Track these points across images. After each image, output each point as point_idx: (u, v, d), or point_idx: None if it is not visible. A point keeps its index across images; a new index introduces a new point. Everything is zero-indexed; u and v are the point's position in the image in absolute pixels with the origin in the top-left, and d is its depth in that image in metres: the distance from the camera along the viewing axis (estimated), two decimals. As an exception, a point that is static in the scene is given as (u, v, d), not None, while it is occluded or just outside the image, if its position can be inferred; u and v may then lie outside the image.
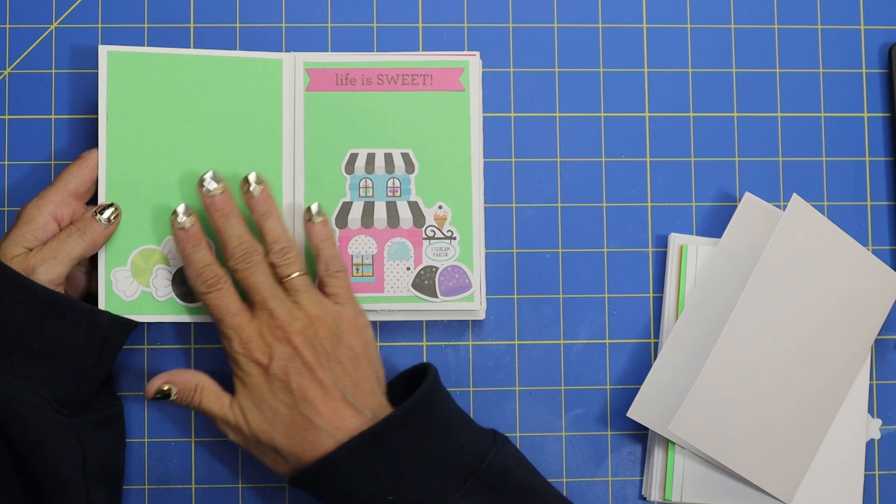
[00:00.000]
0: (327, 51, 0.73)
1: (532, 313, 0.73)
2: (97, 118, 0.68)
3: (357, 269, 0.70)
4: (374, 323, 0.72)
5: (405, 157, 0.71)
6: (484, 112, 0.73)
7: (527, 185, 0.73)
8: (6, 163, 0.72)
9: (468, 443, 0.63)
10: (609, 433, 0.73)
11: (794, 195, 0.69)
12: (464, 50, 0.74)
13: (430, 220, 0.70)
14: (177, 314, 0.69)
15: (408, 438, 0.62)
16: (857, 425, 0.72)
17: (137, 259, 0.68)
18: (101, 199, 0.68)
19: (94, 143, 0.69)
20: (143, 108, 0.69)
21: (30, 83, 0.73)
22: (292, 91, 0.70)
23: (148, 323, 0.71)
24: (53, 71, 0.73)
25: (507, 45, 0.74)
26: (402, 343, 0.72)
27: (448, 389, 0.67)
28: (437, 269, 0.70)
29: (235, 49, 0.73)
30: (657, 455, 0.71)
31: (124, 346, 0.68)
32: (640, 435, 0.73)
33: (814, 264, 0.69)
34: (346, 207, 0.70)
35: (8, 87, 0.72)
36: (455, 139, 0.70)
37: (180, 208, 0.66)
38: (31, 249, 0.64)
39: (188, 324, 0.71)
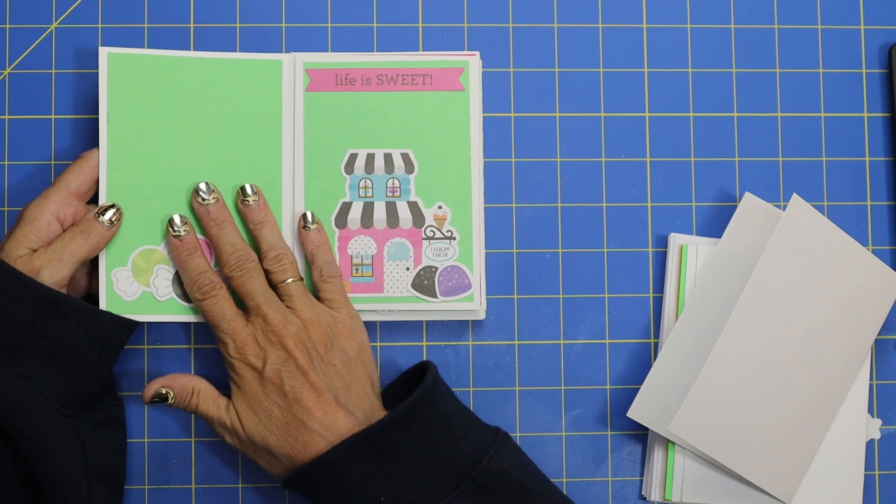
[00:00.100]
0: (327, 51, 0.73)
1: (532, 313, 0.73)
2: (97, 118, 0.68)
3: (357, 270, 0.70)
4: (373, 323, 0.72)
5: (405, 157, 0.71)
6: (484, 112, 0.73)
7: (527, 185, 0.73)
8: (6, 163, 0.72)
9: (465, 444, 0.64)
10: (609, 433, 0.73)
11: (794, 195, 0.69)
12: (464, 50, 0.74)
13: (429, 220, 0.70)
14: (177, 314, 0.69)
15: (401, 441, 0.62)
16: (857, 425, 0.72)
17: (138, 259, 0.68)
18: (102, 200, 0.68)
19: (94, 144, 0.69)
20: (143, 110, 0.69)
21: (30, 83, 0.73)
22: (292, 91, 0.70)
23: (148, 323, 0.71)
24: (53, 71, 0.73)
25: (507, 45, 0.74)
26: (402, 343, 0.73)
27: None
28: (436, 269, 0.70)
29: (235, 49, 0.73)
30: (657, 455, 0.71)
31: (125, 347, 0.68)
32: (640, 435, 0.73)
33: (814, 264, 0.69)
34: (346, 208, 0.70)
35: (8, 87, 0.73)
36: (455, 139, 0.70)
37: (175, 217, 0.67)
38: (34, 250, 0.64)
39: (188, 324, 0.72)
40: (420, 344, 0.73)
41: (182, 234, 0.67)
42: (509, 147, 0.74)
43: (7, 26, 0.73)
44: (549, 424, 0.73)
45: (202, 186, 0.67)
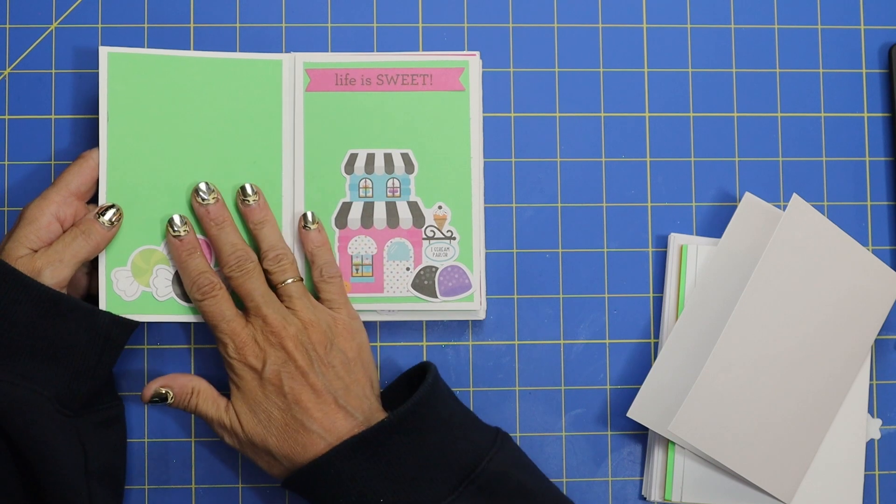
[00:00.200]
0: (327, 51, 0.73)
1: (532, 313, 0.73)
2: (97, 118, 0.68)
3: (357, 270, 0.70)
4: (373, 323, 0.72)
5: (405, 157, 0.71)
6: (484, 112, 0.73)
7: (527, 185, 0.73)
8: (6, 163, 0.72)
9: (465, 445, 0.64)
10: (609, 433, 0.73)
11: (794, 195, 0.69)
12: (464, 50, 0.74)
13: (429, 220, 0.70)
14: (177, 314, 0.69)
15: (400, 443, 0.62)
16: (857, 425, 0.72)
17: (138, 259, 0.68)
18: (102, 200, 0.68)
19: (94, 144, 0.69)
20: (143, 110, 0.69)
21: (30, 83, 0.73)
22: (292, 91, 0.70)
23: (148, 323, 0.71)
24: (53, 71, 0.73)
25: (507, 45, 0.74)
26: (402, 343, 0.73)
27: (448, 389, 0.68)
28: (436, 269, 0.70)
29: (235, 49, 0.73)
30: (657, 455, 0.71)
31: (125, 347, 0.68)
32: (640, 435, 0.73)
33: (814, 264, 0.69)
34: (346, 208, 0.70)
35: (8, 87, 0.73)
36: (455, 139, 0.70)
37: (175, 217, 0.67)
38: (35, 251, 0.64)
39: (188, 324, 0.72)
40: (420, 344, 0.73)
41: (182, 234, 0.67)
42: (509, 147, 0.74)
43: (7, 26, 0.73)
44: (549, 424, 0.73)
45: (202, 186, 0.67)
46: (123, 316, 0.67)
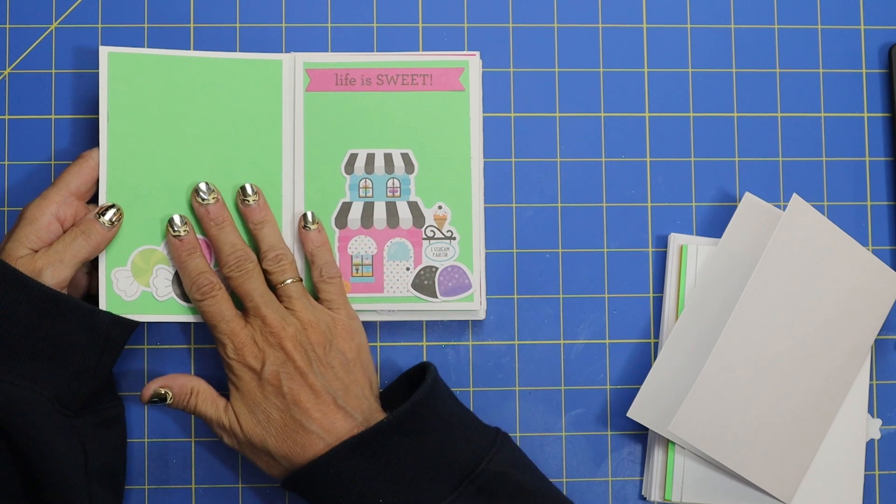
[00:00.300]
0: (327, 51, 0.73)
1: (532, 313, 0.73)
2: (97, 118, 0.68)
3: (357, 270, 0.70)
4: (373, 323, 0.72)
5: (405, 157, 0.71)
6: (484, 112, 0.73)
7: (527, 185, 0.73)
8: (6, 163, 0.72)
9: (465, 446, 0.64)
10: (609, 433, 0.73)
11: (794, 195, 0.69)
12: (464, 50, 0.74)
13: (429, 220, 0.70)
14: (177, 314, 0.69)
15: (399, 443, 0.62)
16: (857, 425, 0.72)
17: (138, 259, 0.68)
18: (102, 200, 0.68)
19: (94, 144, 0.69)
20: (143, 110, 0.69)
21: (30, 83, 0.73)
22: (292, 91, 0.70)
23: (148, 323, 0.71)
24: (53, 71, 0.73)
25: (507, 45, 0.74)
26: (402, 343, 0.73)
27: (448, 389, 0.68)
28: (436, 269, 0.70)
29: (235, 49, 0.73)
30: (657, 455, 0.71)
31: (125, 347, 0.68)
32: (640, 435, 0.73)
33: (814, 264, 0.69)
34: (346, 207, 0.70)
35: (8, 87, 0.73)
36: (455, 139, 0.70)
37: (175, 217, 0.67)
38: (35, 251, 0.64)
39: (188, 324, 0.72)
40: (420, 344, 0.73)
41: (182, 234, 0.67)
42: (509, 147, 0.74)
43: (7, 26, 0.73)
44: (549, 424, 0.73)
45: (202, 186, 0.67)
46: (123, 316, 0.67)
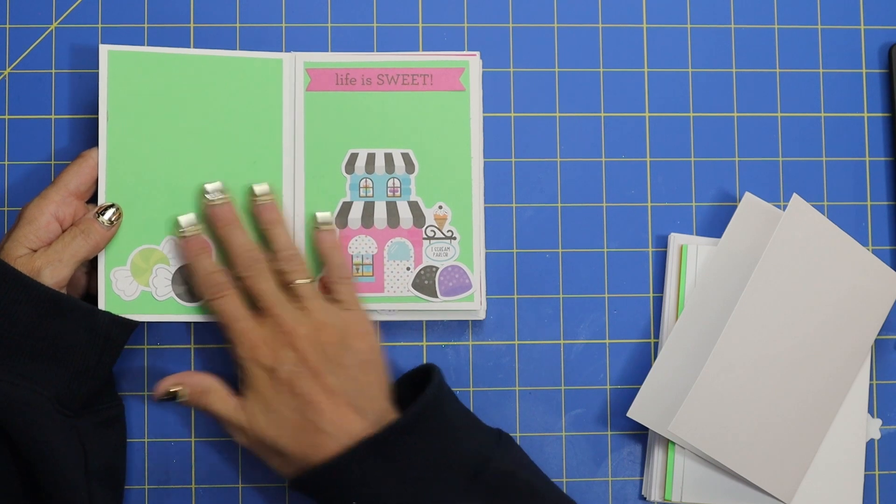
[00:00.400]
0: (327, 51, 0.73)
1: (532, 313, 0.73)
2: (97, 118, 0.68)
3: (357, 269, 0.70)
4: (374, 323, 0.72)
5: (405, 157, 0.71)
6: (484, 112, 0.73)
7: (527, 185, 0.73)
8: (6, 163, 0.72)
9: (472, 445, 0.63)
10: (609, 433, 0.73)
11: (794, 195, 0.69)
12: (464, 50, 0.74)
13: (430, 220, 0.70)
14: (177, 314, 0.69)
15: (412, 443, 0.62)
16: (857, 425, 0.72)
17: (137, 259, 0.68)
18: (102, 199, 0.68)
19: (94, 143, 0.69)
20: (143, 108, 0.69)
21: (30, 83, 0.73)
22: (292, 91, 0.70)
23: (148, 323, 0.71)
24: (53, 71, 0.73)
25: (507, 45, 0.74)
26: (402, 343, 0.72)
27: (449, 389, 0.67)
28: (437, 269, 0.70)
29: (235, 49, 0.73)
30: (657, 455, 0.71)
31: (125, 347, 0.68)
32: (640, 435, 0.73)
33: (814, 264, 0.69)
34: (346, 207, 0.70)
35: (8, 87, 0.72)
36: (455, 139, 0.70)
37: (184, 217, 0.67)
38: (34, 250, 0.64)
39: (188, 323, 0.71)
40: (420, 344, 0.72)
41: (191, 233, 0.67)
42: (509, 147, 0.74)
43: (7, 26, 0.73)
44: (549, 424, 0.73)
45: (211, 186, 0.67)
46: (123, 316, 0.67)
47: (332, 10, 0.74)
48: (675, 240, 0.73)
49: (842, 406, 0.71)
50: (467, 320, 0.73)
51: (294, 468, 0.64)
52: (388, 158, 0.70)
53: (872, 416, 0.73)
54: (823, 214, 0.72)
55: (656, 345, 0.73)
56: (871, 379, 0.73)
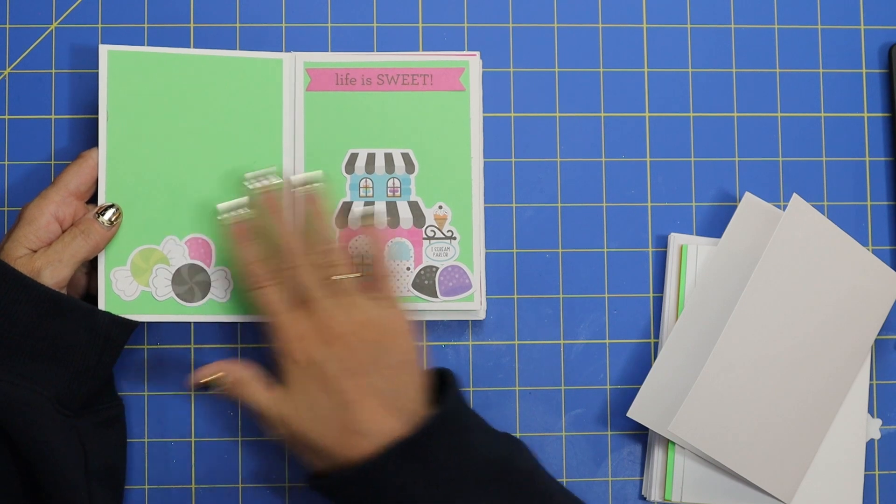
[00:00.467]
0: (327, 51, 0.73)
1: (532, 313, 0.73)
2: (97, 118, 0.68)
3: (357, 269, 0.70)
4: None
5: (405, 157, 0.71)
6: (484, 112, 0.73)
7: (527, 185, 0.73)
8: (6, 163, 0.72)
9: (494, 446, 0.63)
10: (609, 433, 0.73)
11: (794, 195, 0.69)
12: (464, 50, 0.74)
13: (430, 220, 0.70)
14: (177, 314, 0.69)
15: (444, 443, 0.61)
16: (857, 425, 0.72)
17: (137, 259, 0.68)
18: (102, 199, 0.68)
19: (94, 143, 0.69)
20: (143, 108, 0.69)
21: (30, 83, 0.73)
22: (292, 91, 0.70)
23: (148, 323, 0.71)
24: (53, 71, 0.73)
25: (507, 45, 0.74)
26: (402, 343, 0.72)
27: (449, 390, 0.67)
28: (437, 269, 0.70)
29: (235, 49, 0.73)
30: (657, 455, 0.71)
31: (125, 347, 0.68)
32: (640, 435, 0.73)
33: (814, 264, 0.69)
34: (347, 207, 0.70)
35: (8, 87, 0.72)
36: (455, 139, 0.70)
37: (229, 204, 0.66)
38: (34, 251, 0.64)
39: (188, 324, 0.71)
40: (420, 344, 0.72)
41: (235, 221, 0.66)
42: (509, 147, 0.74)
43: (7, 26, 0.73)
44: (549, 424, 0.73)
45: (259, 173, 0.66)
46: (123, 316, 0.67)
47: (332, 10, 0.74)
48: (675, 240, 0.73)
49: (842, 406, 0.71)
50: (467, 320, 0.73)
51: (326, 465, 0.63)
52: (388, 158, 0.70)
53: (872, 416, 0.73)
54: (823, 214, 0.72)
55: (656, 345, 0.73)
56: (871, 379, 0.73)
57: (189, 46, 0.73)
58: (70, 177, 0.67)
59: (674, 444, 0.70)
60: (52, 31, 0.73)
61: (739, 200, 0.73)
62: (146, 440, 0.71)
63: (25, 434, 0.61)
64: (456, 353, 0.73)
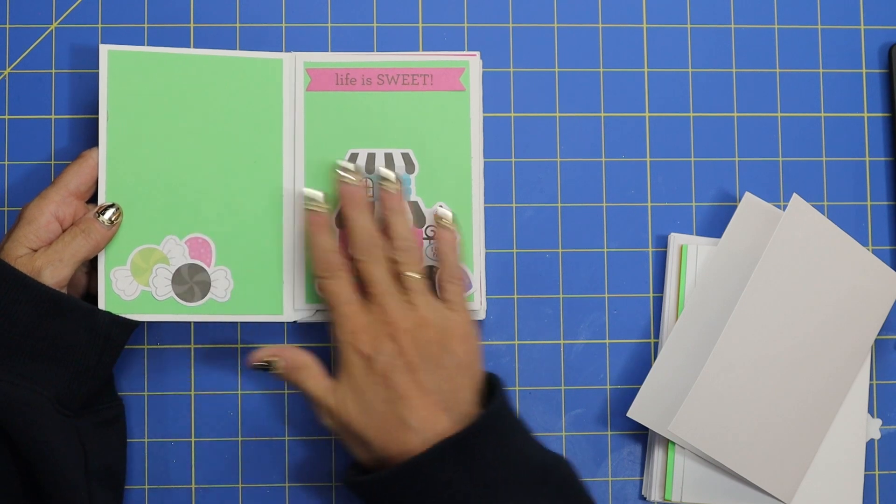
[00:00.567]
0: (327, 51, 0.73)
1: (532, 313, 0.73)
2: (97, 118, 0.68)
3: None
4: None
5: (405, 157, 0.71)
6: (484, 112, 0.73)
7: (527, 185, 0.73)
8: (6, 163, 0.72)
9: (536, 448, 0.63)
10: (609, 433, 0.73)
11: (794, 195, 0.69)
12: (464, 50, 0.74)
13: (430, 220, 0.70)
14: (177, 314, 0.69)
15: (492, 443, 0.61)
16: (857, 425, 0.72)
17: (137, 258, 0.68)
18: (102, 199, 0.68)
19: (94, 143, 0.69)
20: (143, 108, 0.69)
21: (30, 83, 0.73)
22: (293, 91, 0.70)
23: (148, 323, 0.71)
24: (53, 71, 0.73)
25: (507, 45, 0.74)
26: (402, 343, 0.72)
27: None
28: (437, 269, 0.70)
29: (235, 49, 0.73)
30: (657, 455, 0.71)
31: (125, 347, 0.68)
32: (640, 435, 0.73)
33: (814, 264, 0.69)
34: (347, 207, 0.70)
35: (8, 87, 0.73)
36: (455, 139, 0.70)
37: (314, 191, 0.67)
38: (34, 250, 0.64)
39: (188, 323, 0.71)
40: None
41: (317, 209, 0.67)
42: (509, 147, 0.74)
43: (7, 26, 0.73)
44: (549, 424, 0.73)
45: (347, 165, 0.67)
46: (123, 316, 0.67)
47: (332, 10, 0.74)
48: (675, 240, 0.73)
49: (842, 406, 0.71)
50: (467, 320, 0.73)
51: (374, 460, 0.63)
52: (389, 158, 0.70)
53: (872, 416, 0.73)
54: (823, 214, 0.72)
55: (656, 345, 0.73)
56: (871, 379, 0.73)
57: (189, 46, 0.73)
58: (70, 177, 0.67)
59: (674, 444, 0.70)
60: (52, 31, 0.73)
61: (739, 200, 0.73)
62: (146, 440, 0.71)
63: (25, 434, 0.61)
64: (456, 353, 0.72)
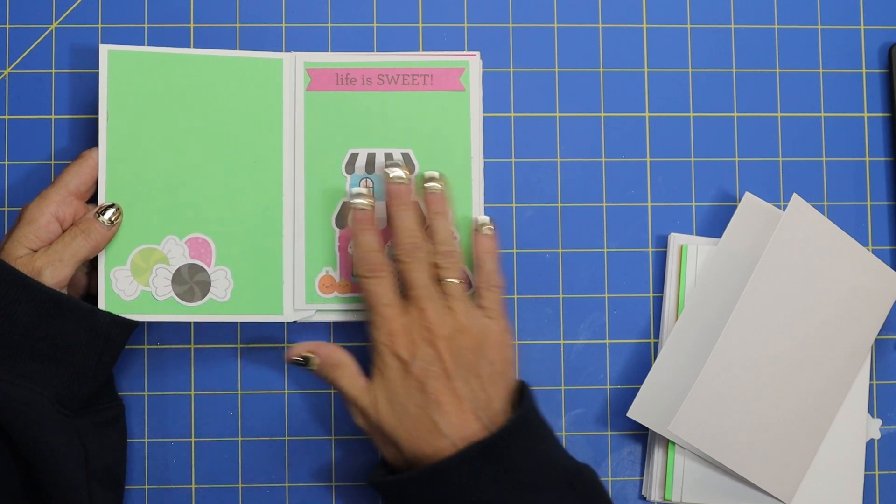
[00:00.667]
0: (327, 51, 0.73)
1: (532, 313, 0.73)
2: (97, 118, 0.68)
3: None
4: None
5: (405, 157, 0.71)
6: (484, 112, 0.73)
7: (527, 185, 0.73)
8: (6, 163, 0.72)
9: (562, 454, 0.63)
10: (609, 433, 0.73)
11: (794, 195, 0.69)
12: (464, 50, 0.74)
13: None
14: (177, 314, 0.69)
15: (520, 447, 0.61)
16: (857, 425, 0.72)
17: (137, 258, 0.68)
18: (102, 199, 0.68)
19: (94, 143, 0.69)
20: (143, 108, 0.69)
21: (30, 83, 0.73)
22: (292, 91, 0.70)
23: (148, 323, 0.71)
24: (53, 71, 0.73)
25: (507, 45, 0.74)
26: (402, 343, 0.72)
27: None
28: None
29: (235, 49, 0.73)
30: (657, 455, 0.71)
31: (125, 347, 0.68)
32: (640, 435, 0.73)
33: (814, 264, 0.69)
34: (347, 208, 0.70)
35: (8, 87, 0.73)
36: (455, 139, 0.70)
37: (360, 189, 0.67)
38: (35, 250, 0.64)
39: (188, 324, 0.71)
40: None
41: (362, 207, 0.66)
42: (509, 147, 0.74)
43: (7, 26, 0.73)
44: (550, 424, 0.72)
45: (393, 164, 0.67)
46: (123, 316, 0.67)
47: (332, 10, 0.74)
48: (675, 240, 0.73)
49: (842, 406, 0.71)
50: (467, 320, 0.72)
51: (404, 462, 0.63)
52: (389, 158, 0.70)
53: (872, 416, 0.73)
54: (823, 214, 0.72)
55: (656, 345, 0.73)
56: (871, 379, 0.73)
57: (189, 46, 0.73)
58: (70, 177, 0.67)
59: (674, 444, 0.70)
60: (52, 31, 0.73)
61: (739, 200, 0.73)
62: (146, 440, 0.71)
63: (25, 434, 0.61)
64: (456, 353, 0.72)
